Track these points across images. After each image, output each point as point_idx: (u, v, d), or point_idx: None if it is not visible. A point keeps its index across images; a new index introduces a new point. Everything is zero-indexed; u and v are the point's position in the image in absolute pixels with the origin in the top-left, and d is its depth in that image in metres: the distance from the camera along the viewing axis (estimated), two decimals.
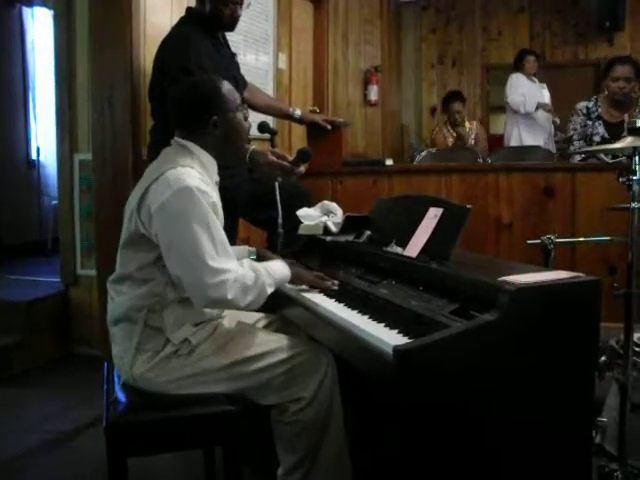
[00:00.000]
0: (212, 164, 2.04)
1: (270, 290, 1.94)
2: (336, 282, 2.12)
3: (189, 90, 2.05)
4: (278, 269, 2.02)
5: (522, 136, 6.06)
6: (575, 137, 4.15)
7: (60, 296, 4.13)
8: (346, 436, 2.03)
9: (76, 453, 2.76)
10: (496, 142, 6.45)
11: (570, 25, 7.31)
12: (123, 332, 1.94)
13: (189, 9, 3.04)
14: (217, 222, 1.89)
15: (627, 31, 6.96)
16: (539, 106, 5.96)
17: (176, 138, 2.03)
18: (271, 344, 1.98)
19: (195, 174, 1.90)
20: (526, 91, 5.99)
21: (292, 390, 1.93)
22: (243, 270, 1.89)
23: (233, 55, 3.17)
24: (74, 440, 2.90)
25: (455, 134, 6.02)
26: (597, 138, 4.04)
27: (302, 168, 2.72)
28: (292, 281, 2.10)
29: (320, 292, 2.11)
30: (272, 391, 1.93)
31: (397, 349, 1.46)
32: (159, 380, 1.89)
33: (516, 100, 5.96)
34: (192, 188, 1.83)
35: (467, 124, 6.06)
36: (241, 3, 2.98)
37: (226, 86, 2.04)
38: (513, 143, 6.09)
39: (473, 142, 5.98)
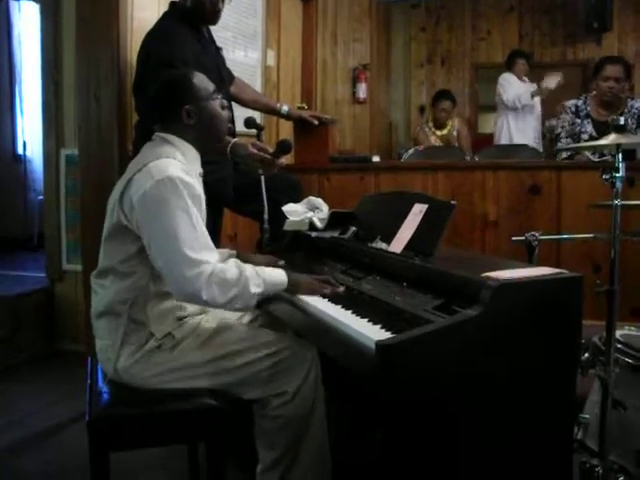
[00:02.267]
0: (194, 155, 2.05)
1: (256, 290, 1.89)
2: (342, 288, 2.01)
3: (160, 86, 2.07)
4: (272, 273, 1.97)
5: (512, 134, 6.05)
6: (563, 134, 4.15)
7: (45, 291, 4.11)
8: (328, 433, 2.02)
9: (60, 448, 2.76)
10: (485, 141, 6.45)
11: (559, 25, 7.34)
12: (107, 325, 1.94)
13: (172, 3, 3.03)
14: (199, 214, 1.88)
15: (615, 32, 6.99)
16: (534, 94, 5.90)
17: (157, 133, 2.04)
18: (255, 339, 1.98)
19: (178, 164, 1.91)
20: (517, 89, 5.99)
21: (276, 384, 1.93)
22: (224, 265, 1.87)
23: (218, 49, 3.16)
24: (58, 435, 2.90)
25: (439, 133, 6.03)
26: (585, 136, 4.04)
27: (283, 160, 2.72)
28: (290, 289, 2.00)
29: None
30: (256, 386, 1.93)
31: (379, 344, 1.46)
32: (143, 374, 1.90)
33: (510, 97, 5.93)
34: (174, 178, 1.84)
35: (449, 121, 6.07)
36: None
37: (197, 76, 2.06)
38: (503, 141, 6.09)
39: (455, 139, 5.98)
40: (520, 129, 6.06)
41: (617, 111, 4.04)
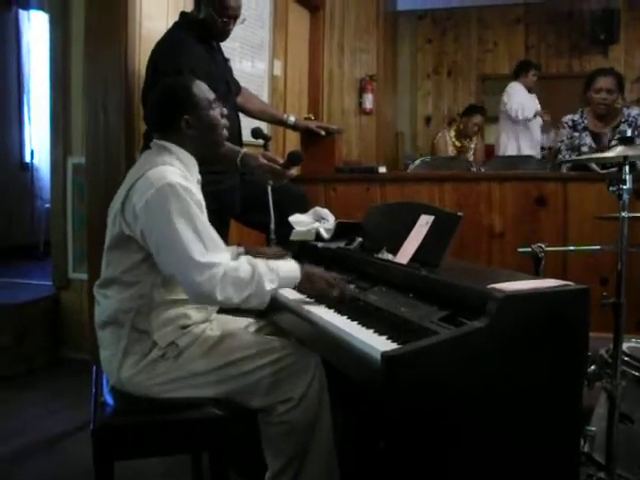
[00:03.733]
0: (192, 162, 2.05)
1: (270, 287, 1.86)
2: (349, 296, 1.97)
3: (160, 93, 2.07)
4: (284, 266, 1.94)
5: (521, 146, 6.05)
6: (563, 148, 4.16)
7: (51, 299, 4.11)
8: (334, 442, 2.01)
9: (64, 456, 2.75)
10: (491, 152, 6.45)
11: (565, 37, 7.36)
12: (111, 336, 1.94)
13: (183, 14, 3.05)
14: (202, 216, 1.88)
15: (621, 44, 7.01)
16: (537, 113, 5.95)
17: (155, 140, 2.04)
18: (259, 346, 1.97)
19: (176, 171, 1.92)
20: (524, 100, 5.99)
21: (280, 392, 1.92)
22: (236, 263, 1.86)
23: (226, 60, 3.18)
24: (62, 443, 2.89)
25: (458, 144, 6.02)
26: (585, 148, 4.05)
27: (293, 171, 2.72)
28: (301, 284, 1.97)
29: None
30: (260, 393, 1.92)
31: (385, 355, 1.46)
32: (147, 384, 1.89)
33: (514, 107, 5.95)
34: (174, 184, 1.84)
35: (477, 135, 6.08)
36: (235, 18, 3.00)
37: (197, 85, 2.05)
38: (510, 153, 6.07)
39: (472, 154, 5.99)
40: (527, 141, 6.05)
41: (613, 121, 4.06)
